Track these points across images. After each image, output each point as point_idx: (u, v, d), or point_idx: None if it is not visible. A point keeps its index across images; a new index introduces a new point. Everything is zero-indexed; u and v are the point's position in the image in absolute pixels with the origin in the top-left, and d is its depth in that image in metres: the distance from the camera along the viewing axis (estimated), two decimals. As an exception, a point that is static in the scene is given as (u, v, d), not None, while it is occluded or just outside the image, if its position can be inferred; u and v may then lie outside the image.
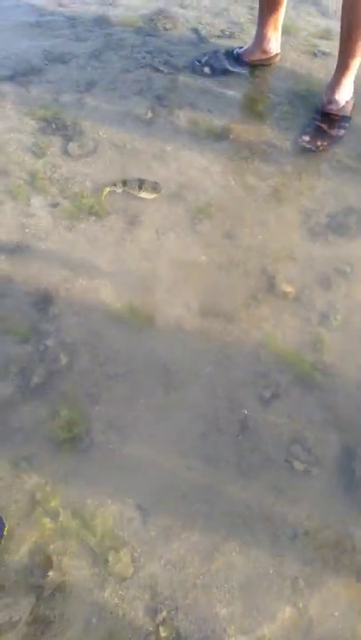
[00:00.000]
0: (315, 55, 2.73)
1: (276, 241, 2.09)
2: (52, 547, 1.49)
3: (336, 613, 1.43)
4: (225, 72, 2.63)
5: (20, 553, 1.48)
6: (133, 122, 2.43)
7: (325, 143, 2.36)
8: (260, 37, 2.57)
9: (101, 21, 2.85)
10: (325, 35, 2.83)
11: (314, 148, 2.34)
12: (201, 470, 1.62)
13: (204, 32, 2.82)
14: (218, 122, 2.44)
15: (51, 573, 1.45)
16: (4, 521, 1.50)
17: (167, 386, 1.76)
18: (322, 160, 2.33)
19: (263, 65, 2.64)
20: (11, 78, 2.56)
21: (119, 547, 1.50)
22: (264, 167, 2.30)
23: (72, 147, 2.32)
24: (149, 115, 2.45)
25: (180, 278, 1.98)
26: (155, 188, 2.16)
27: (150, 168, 2.27)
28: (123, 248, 2.05)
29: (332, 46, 2.68)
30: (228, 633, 1.40)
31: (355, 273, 2.01)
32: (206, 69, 2.63)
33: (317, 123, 2.40)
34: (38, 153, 2.30)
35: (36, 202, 2.15)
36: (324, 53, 2.72)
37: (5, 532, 1.49)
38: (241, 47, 2.67)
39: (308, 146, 2.35)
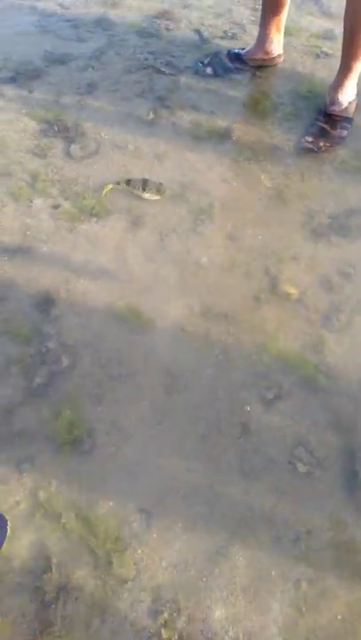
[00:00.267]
0: (317, 56, 2.73)
1: (278, 242, 2.08)
2: (54, 549, 1.49)
3: (339, 616, 1.42)
4: (227, 73, 2.63)
5: (23, 555, 1.48)
6: (135, 123, 2.43)
7: (328, 144, 2.36)
8: (263, 38, 2.57)
9: (103, 22, 2.86)
10: (328, 35, 2.83)
11: (316, 149, 2.34)
12: (203, 472, 1.62)
13: (206, 33, 2.82)
14: (220, 123, 2.44)
15: (53, 575, 1.45)
16: (7, 523, 1.50)
17: (169, 387, 1.75)
18: (324, 161, 2.33)
19: (266, 66, 2.64)
20: (12, 80, 2.56)
21: (121, 549, 1.49)
22: (266, 168, 2.30)
23: (74, 148, 2.32)
24: (151, 116, 2.45)
25: (183, 279, 1.98)
26: (159, 189, 2.16)
27: (152, 169, 2.27)
28: (124, 249, 2.05)
29: (335, 47, 2.68)
30: (230, 635, 1.39)
31: (358, 274, 2.00)
32: (209, 70, 2.63)
33: (320, 124, 2.40)
34: (40, 154, 2.30)
35: (38, 203, 2.15)
36: (326, 54, 2.72)
37: (8, 534, 1.49)
38: (243, 48, 2.67)
39: (310, 147, 2.34)
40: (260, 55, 2.62)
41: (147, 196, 2.15)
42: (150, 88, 2.55)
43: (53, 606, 1.41)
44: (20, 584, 1.44)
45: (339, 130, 2.38)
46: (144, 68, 2.64)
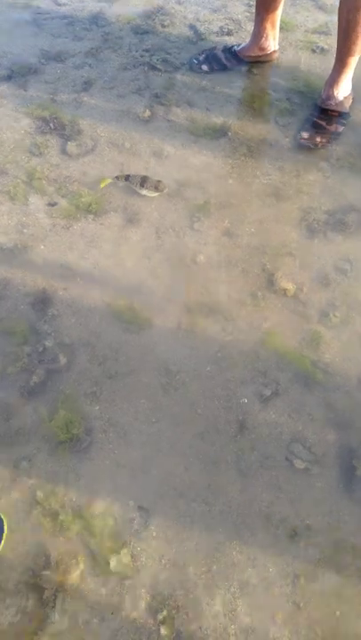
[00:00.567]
0: (313, 51, 2.72)
1: (275, 238, 2.08)
2: (52, 547, 1.49)
3: (338, 612, 1.42)
4: (223, 69, 2.62)
5: (21, 553, 1.48)
6: (132, 120, 2.42)
7: (324, 140, 2.35)
8: (258, 34, 2.56)
9: (98, 19, 2.85)
10: (324, 31, 2.82)
11: (312, 145, 2.33)
12: (201, 469, 1.62)
13: (201, 29, 2.81)
14: (216, 119, 2.43)
15: (51, 574, 1.45)
16: (5, 521, 1.50)
17: (167, 385, 1.75)
18: (321, 157, 2.32)
19: (261, 62, 2.63)
20: (8, 78, 2.55)
21: (120, 546, 1.49)
22: (263, 164, 2.29)
23: (70, 146, 2.31)
24: (147, 113, 2.44)
25: (179, 276, 1.98)
26: (157, 186, 2.15)
27: (149, 166, 2.26)
28: (121, 247, 2.04)
29: (331, 42, 2.67)
30: (228, 632, 1.40)
31: (354, 270, 2.00)
32: (204, 67, 2.62)
33: (316, 119, 2.39)
34: (36, 152, 2.29)
35: (34, 201, 2.15)
36: (322, 49, 2.71)
37: (6, 533, 1.49)
38: (239, 44, 2.66)
39: (306, 143, 2.34)
40: (255, 51, 2.61)
41: (145, 192, 2.15)
42: (146, 85, 2.55)
43: (52, 604, 1.42)
44: (19, 583, 1.44)
45: (335, 125, 2.38)
46: (140, 65, 2.63)
